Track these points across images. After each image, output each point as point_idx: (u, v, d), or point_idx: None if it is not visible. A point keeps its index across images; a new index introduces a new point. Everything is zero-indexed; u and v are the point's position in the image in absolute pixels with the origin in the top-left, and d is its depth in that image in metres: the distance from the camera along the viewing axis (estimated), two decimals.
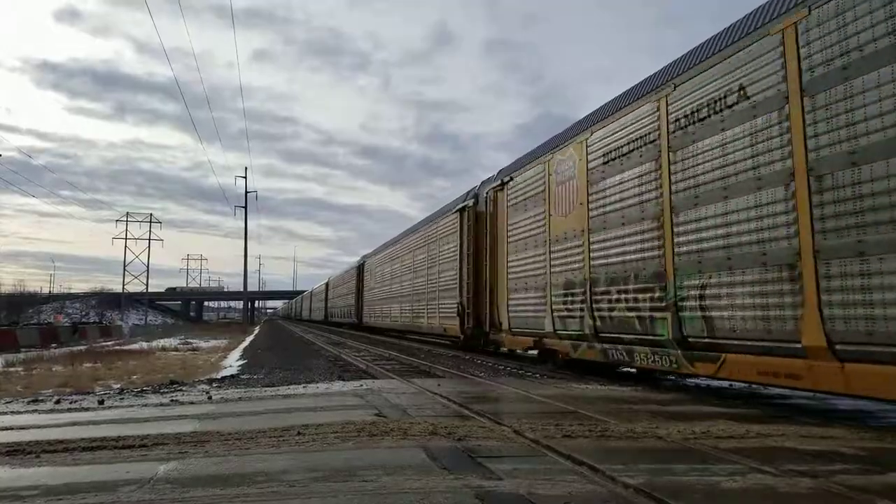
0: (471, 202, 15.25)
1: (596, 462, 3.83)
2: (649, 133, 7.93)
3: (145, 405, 7.00)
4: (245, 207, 48.07)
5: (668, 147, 7.47)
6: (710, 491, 3.33)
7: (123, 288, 77.72)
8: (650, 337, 7.84)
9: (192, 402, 7.07)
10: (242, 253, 45.52)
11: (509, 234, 12.29)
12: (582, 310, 9.39)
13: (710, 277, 6.69)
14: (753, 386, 8.76)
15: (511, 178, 12.36)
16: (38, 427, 5.61)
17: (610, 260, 8.74)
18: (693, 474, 3.64)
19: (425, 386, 8.14)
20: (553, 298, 10.29)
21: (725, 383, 9.09)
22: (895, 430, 5.20)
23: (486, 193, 13.84)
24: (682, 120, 7.24)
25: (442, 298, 17.42)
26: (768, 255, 5.95)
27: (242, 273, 47.77)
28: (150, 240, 76.34)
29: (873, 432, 5.01)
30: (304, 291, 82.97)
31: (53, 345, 29.35)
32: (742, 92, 6.30)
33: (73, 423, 5.77)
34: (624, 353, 8.45)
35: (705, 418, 5.57)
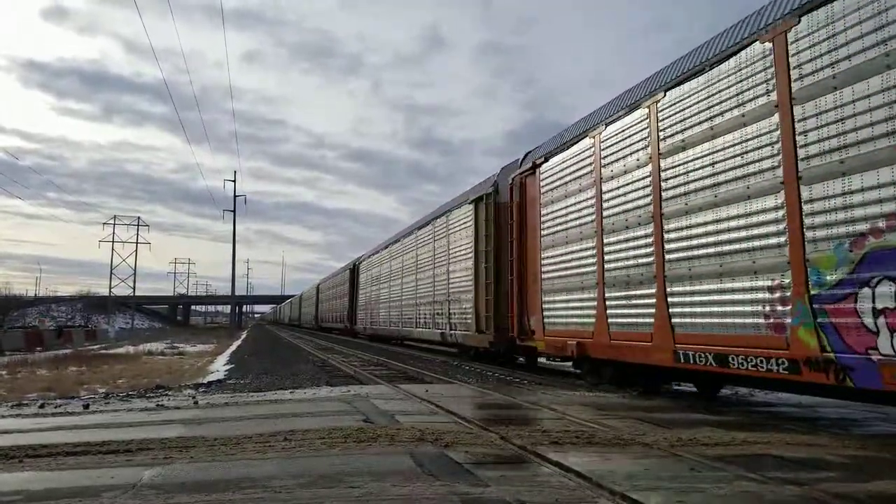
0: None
1: (583, 469, 3.84)
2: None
3: (131, 410, 6.95)
4: (234, 211, 47.93)
5: None
6: (697, 498, 3.34)
7: (110, 291, 77.11)
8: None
9: (178, 407, 7.02)
10: (230, 257, 45.31)
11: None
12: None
13: None
14: (740, 393, 8.83)
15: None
16: (22, 431, 5.55)
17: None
18: (679, 482, 3.65)
19: (413, 392, 8.12)
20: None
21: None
22: (880, 438, 5.26)
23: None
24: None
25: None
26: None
27: (230, 277, 47.61)
28: (137, 243, 75.81)
29: (858, 440, 5.05)
30: (292, 296, 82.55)
31: (38, 348, 29.05)
32: None
33: (58, 428, 5.71)
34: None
35: (692, 426, 5.60)
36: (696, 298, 6.92)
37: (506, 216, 12.27)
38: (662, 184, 7.55)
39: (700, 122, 6.99)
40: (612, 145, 8.59)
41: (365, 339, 28.49)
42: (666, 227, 7.45)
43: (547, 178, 10.44)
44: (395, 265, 22.27)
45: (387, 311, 23.20)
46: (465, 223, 14.81)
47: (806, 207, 5.60)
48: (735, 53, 6.56)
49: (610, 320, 8.36)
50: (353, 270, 31.32)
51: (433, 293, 17.21)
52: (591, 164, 9.07)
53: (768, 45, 6.12)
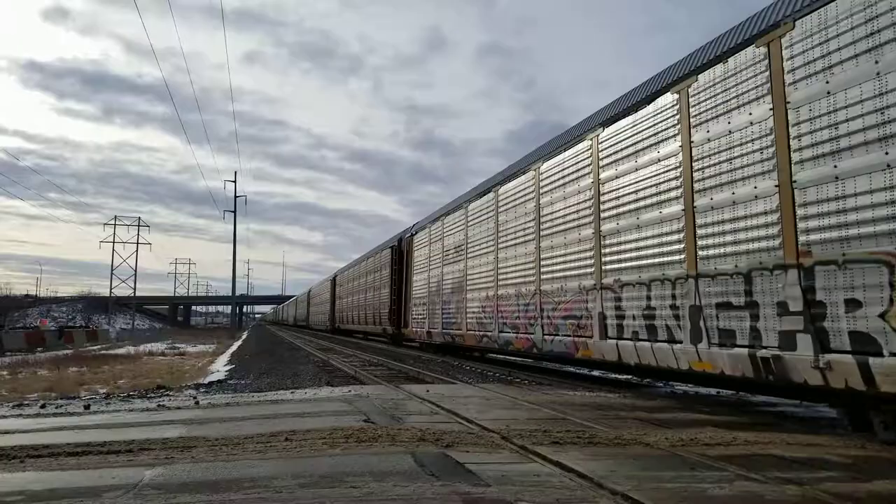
0: None
1: (584, 469, 3.84)
2: None
3: (132, 410, 6.95)
4: (234, 212, 47.97)
5: None
6: (697, 498, 3.34)
7: (111, 292, 77.15)
8: None
9: (179, 408, 7.02)
10: (231, 257, 45.33)
11: None
12: None
13: None
14: (741, 393, 8.82)
15: None
16: (23, 432, 5.55)
17: None
18: (680, 481, 3.65)
19: (414, 392, 8.12)
20: None
21: (713, 390, 9.14)
22: (879, 438, 5.25)
23: None
24: None
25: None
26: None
27: (231, 278, 47.69)
28: (137, 244, 75.76)
29: (859, 440, 5.05)
30: (293, 297, 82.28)
31: (39, 349, 29.05)
32: None
33: (59, 428, 5.71)
34: None
35: (693, 425, 5.60)
36: None
37: None
38: None
39: None
40: None
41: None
42: None
43: None
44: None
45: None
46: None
47: None
48: None
49: None
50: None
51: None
52: None
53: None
